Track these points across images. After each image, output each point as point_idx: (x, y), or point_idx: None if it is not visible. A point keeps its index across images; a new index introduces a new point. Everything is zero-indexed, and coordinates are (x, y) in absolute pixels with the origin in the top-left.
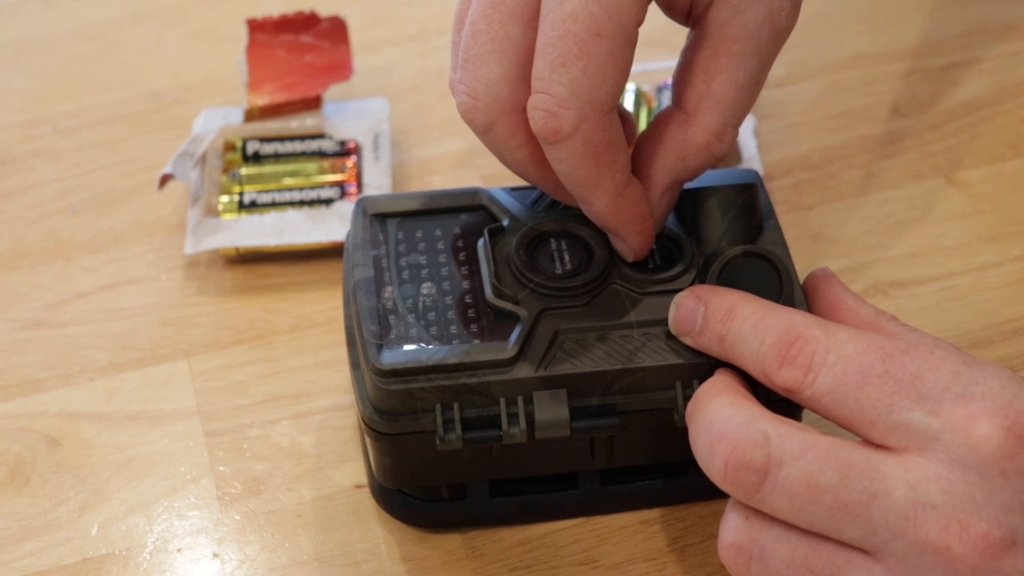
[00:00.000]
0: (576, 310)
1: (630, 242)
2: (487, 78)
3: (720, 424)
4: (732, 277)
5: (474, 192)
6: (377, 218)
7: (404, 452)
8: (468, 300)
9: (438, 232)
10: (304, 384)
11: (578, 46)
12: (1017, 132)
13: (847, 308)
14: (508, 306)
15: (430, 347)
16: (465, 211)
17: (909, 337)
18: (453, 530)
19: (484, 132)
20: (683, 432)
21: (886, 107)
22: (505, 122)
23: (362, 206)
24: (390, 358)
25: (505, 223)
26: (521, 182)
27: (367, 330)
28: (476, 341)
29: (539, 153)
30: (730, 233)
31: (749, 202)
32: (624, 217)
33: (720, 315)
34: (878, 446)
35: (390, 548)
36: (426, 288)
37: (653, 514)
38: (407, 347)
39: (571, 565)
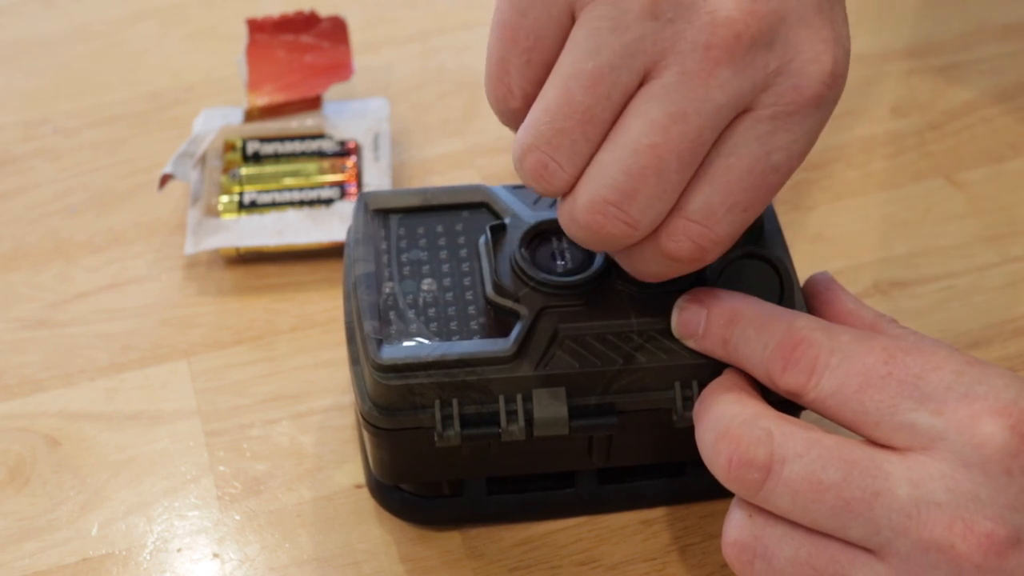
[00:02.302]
0: (576, 309)
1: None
2: (654, 216)
3: (725, 422)
4: (733, 279)
5: (476, 189)
6: (379, 214)
7: (402, 448)
8: (469, 297)
9: (440, 228)
10: (304, 384)
11: (767, 196)
12: (1017, 132)
13: (847, 312)
14: (508, 303)
15: (430, 343)
16: (467, 208)
17: (911, 339)
18: (450, 527)
19: (607, 246)
20: (681, 432)
21: (886, 107)
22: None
23: (364, 201)
24: (390, 353)
25: (507, 221)
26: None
27: (367, 325)
28: (476, 338)
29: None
30: None
31: None
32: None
33: (723, 319)
34: (882, 446)
35: (390, 548)
36: (427, 284)
37: (653, 514)
38: (407, 343)
39: (571, 565)
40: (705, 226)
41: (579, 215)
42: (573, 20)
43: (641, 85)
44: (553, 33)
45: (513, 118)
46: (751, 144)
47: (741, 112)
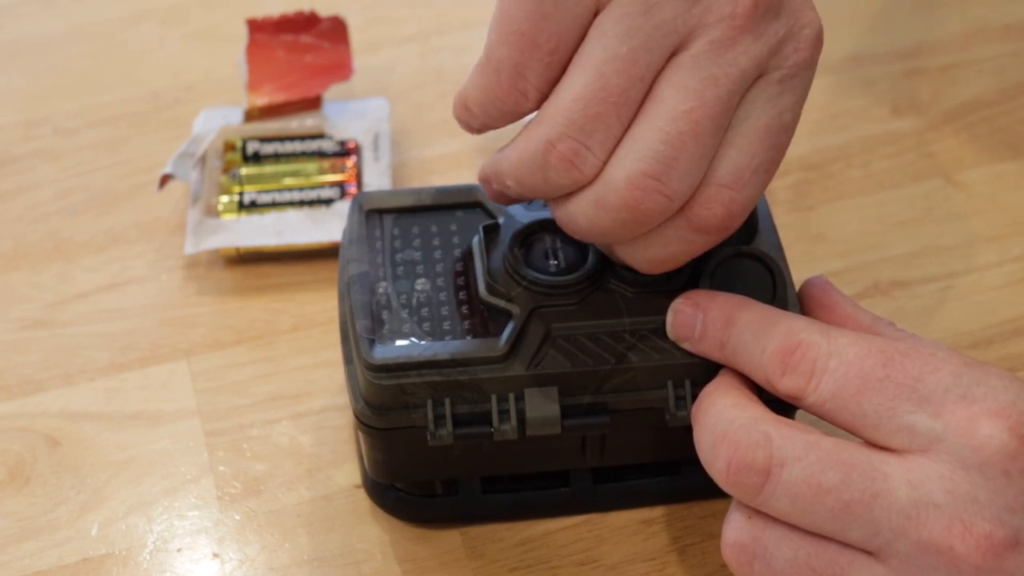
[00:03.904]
0: (569, 308)
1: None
2: (690, 185)
3: (723, 426)
4: (726, 278)
5: (471, 189)
6: (373, 214)
7: (395, 447)
8: (462, 296)
9: (434, 228)
10: (304, 384)
11: (780, 156)
12: (1017, 132)
13: (845, 315)
14: (501, 303)
15: (422, 343)
16: (462, 208)
17: (909, 341)
18: (446, 525)
19: (639, 226)
20: (675, 431)
21: (886, 107)
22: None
23: (359, 202)
24: (382, 353)
25: (501, 220)
26: None
27: (360, 325)
28: (469, 337)
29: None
30: None
31: None
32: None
33: (719, 322)
34: (881, 448)
35: (390, 548)
36: (420, 284)
37: (653, 514)
38: (399, 342)
39: (571, 565)
40: (735, 190)
41: (613, 197)
42: (595, 15)
43: (667, 62)
44: (576, 33)
45: (513, 119)
46: (766, 106)
47: (757, 77)
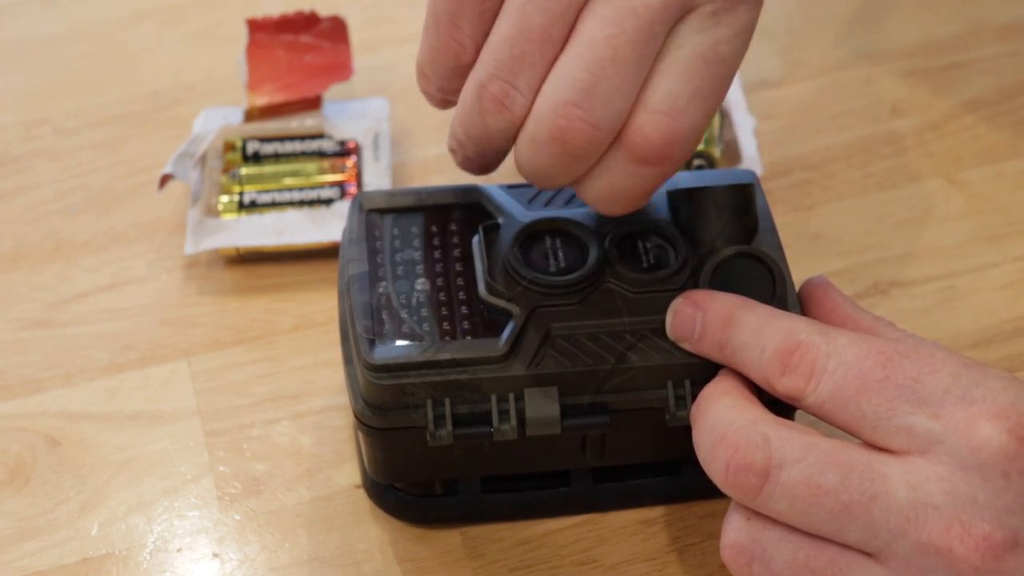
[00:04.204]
0: (569, 308)
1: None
2: (615, 111)
3: (722, 427)
4: (725, 278)
5: (471, 189)
6: (373, 213)
7: (395, 447)
8: (462, 296)
9: (434, 228)
10: (304, 384)
11: (721, 86)
12: (1017, 132)
13: (845, 315)
14: (501, 303)
15: (422, 343)
16: (461, 208)
17: (908, 342)
18: (446, 525)
19: (574, 158)
20: (675, 431)
21: (886, 107)
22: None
23: (358, 201)
24: (382, 353)
25: (500, 220)
26: (520, 179)
27: (360, 325)
28: (468, 338)
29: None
30: (725, 233)
31: (745, 202)
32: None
33: (719, 322)
34: (880, 449)
35: (390, 548)
36: (420, 284)
37: (653, 514)
38: (399, 342)
39: (571, 565)
40: (669, 116)
41: (542, 130)
42: None
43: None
44: None
45: (460, 75)
46: (698, 35)
47: (686, 12)
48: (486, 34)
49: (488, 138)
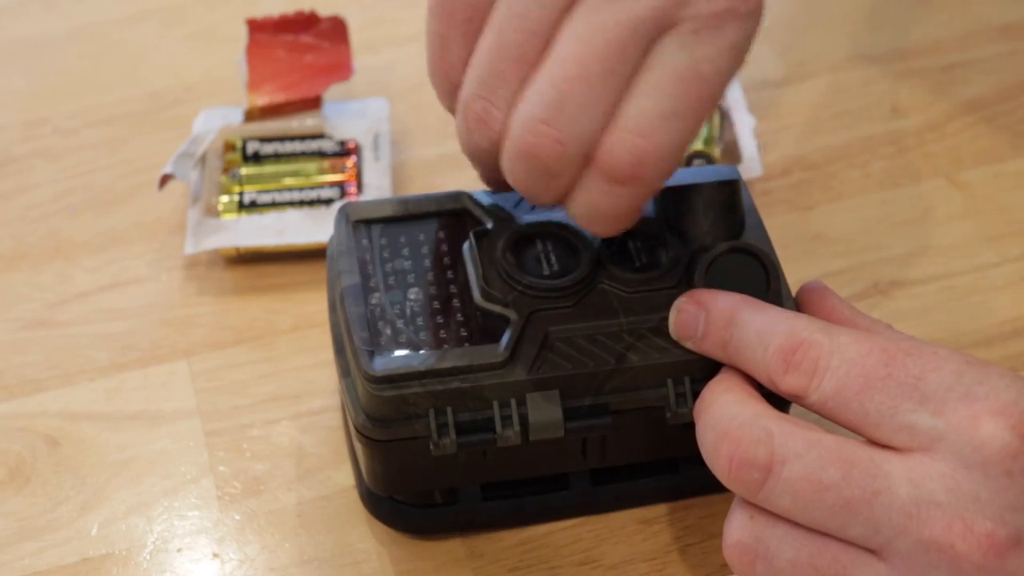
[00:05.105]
0: (565, 311)
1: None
2: (583, 130)
3: (725, 422)
4: (719, 274)
5: (455, 196)
6: (360, 224)
7: (397, 458)
8: (456, 304)
9: (422, 236)
10: (304, 384)
11: (699, 105)
12: (1017, 132)
13: (843, 319)
14: (498, 309)
15: (421, 352)
16: (448, 215)
17: (910, 341)
18: (445, 535)
19: (548, 175)
20: (675, 429)
21: (886, 107)
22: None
23: (344, 212)
24: (382, 364)
25: (489, 225)
26: None
27: (357, 337)
28: (466, 345)
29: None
30: (713, 230)
31: (731, 199)
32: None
33: (722, 321)
34: (883, 446)
35: (390, 548)
36: (413, 293)
37: (653, 514)
38: (398, 353)
39: (571, 565)
40: (641, 136)
41: (515, 146)
42: None
43: (563, 15)
44: (487, 2)
45: (457, 92)
46: (676, 54)
47: (664, 30)
48: (472, 51)
49: (479, 154)
